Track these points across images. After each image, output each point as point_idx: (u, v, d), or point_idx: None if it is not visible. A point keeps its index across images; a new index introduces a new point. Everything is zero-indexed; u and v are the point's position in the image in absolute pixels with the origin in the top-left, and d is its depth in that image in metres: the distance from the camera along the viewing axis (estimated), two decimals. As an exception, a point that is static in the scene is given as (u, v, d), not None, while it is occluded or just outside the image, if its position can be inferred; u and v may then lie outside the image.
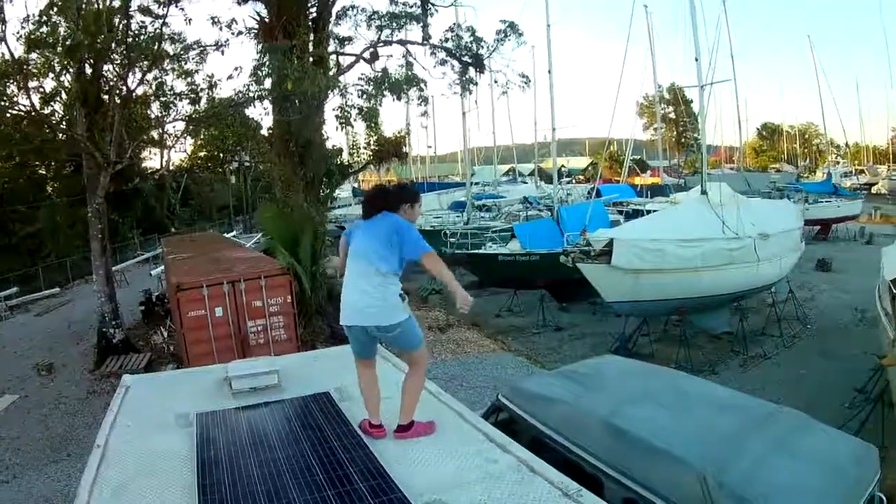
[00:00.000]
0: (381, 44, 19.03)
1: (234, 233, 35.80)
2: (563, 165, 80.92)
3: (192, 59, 18.94)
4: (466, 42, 19.80)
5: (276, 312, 13.25)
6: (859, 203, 50.65)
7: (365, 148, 19.06)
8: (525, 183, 60.69)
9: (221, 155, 48.67)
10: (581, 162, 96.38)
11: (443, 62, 20.32)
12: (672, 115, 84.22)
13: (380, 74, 18.25)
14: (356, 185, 51.35)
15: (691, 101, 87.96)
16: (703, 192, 22.33)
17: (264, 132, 18.84)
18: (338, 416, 5.73)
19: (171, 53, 18.61)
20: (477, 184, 44.54)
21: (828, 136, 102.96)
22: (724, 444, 5.86)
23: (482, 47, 20.00)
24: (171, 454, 4.97)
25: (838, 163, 72.95)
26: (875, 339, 20.64)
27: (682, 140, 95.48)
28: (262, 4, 17.80)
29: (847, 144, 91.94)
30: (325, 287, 18.21)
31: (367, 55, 18.65)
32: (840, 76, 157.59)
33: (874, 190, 77.29)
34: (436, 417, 5.54)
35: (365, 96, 17.97)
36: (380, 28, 18.98)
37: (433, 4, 19.73)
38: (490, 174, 57.17)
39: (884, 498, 5.75)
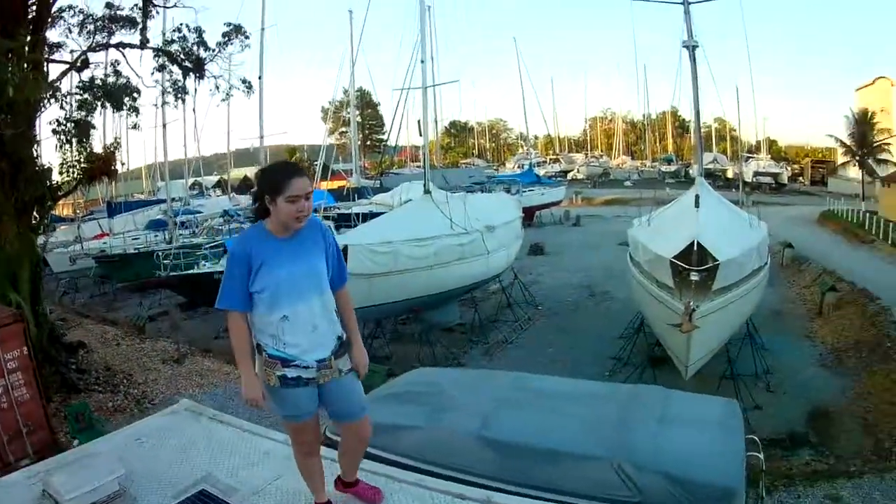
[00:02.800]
0: (100, 48, 17.15)
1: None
2: (246, 176, 79.67)
3: None
4: (192, 44, 18.35)
5: (14, 369, 10.74)
6: (563, 189, 55.29)
7: (75, 166, 17.00)
8: (210, 196, 58.51)
9: None
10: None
11: (161, 68, 18.73)
12: (359, 119, 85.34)
13: (93, 82, 16.50)
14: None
15: (378, 104, 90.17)
16: (427, 192, 22.66)
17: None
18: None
19: None
20: (174, 200, 42.21)
21: (517, 130, 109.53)
22: (615, 429, 5.86)
23: (206, 50, 18.64)
24: None
25: (530, 154, 76.82)
26: (605, 310, 23.43)
27: (368, 143, 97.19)
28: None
29: (536, 136, 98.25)
30: (47, 329, 16.09)
31: (79, 63, 16.68)
32: (540, 74, 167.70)
33: (570, 176, 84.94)
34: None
35: (85, 106, 16.14)
36: (92, 33, 17.10)
37: (154, 6, 17.96)
38: (179, 189, 54.39)
39: (756, 439, 6.15)
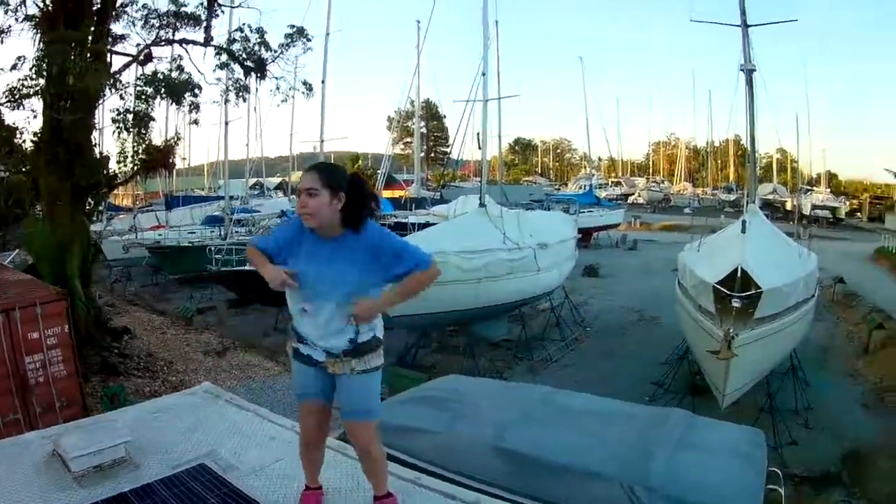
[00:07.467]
0: (164, 42, 17.50)
1: (-14, 252, 32.35)
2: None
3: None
4: (254, 44, 18.62)
5: (54, 345, 11.10)
6: (621, 213, 55.18)
7: (133, 157, 17.26)
8: (271, 197, 58.81)
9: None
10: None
11: (223, 66, 19.04)
12: (424, 130, 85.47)
13: (155, 76, 16.79)
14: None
15: (444, 117, 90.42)
16: (482, 205, 22.55)
17: (29, 136, 16.45)
18: (241, 497, 4.49)
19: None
20: (233, 198, 42.64)
21: (581, 150, 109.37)
22: (633, 450, 5.71)
23: (268, 51, 18.89)
24: None
25: (592, 175, 76.44)
26: (653, 336, 22.91)
27: (433, 154, 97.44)
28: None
29: (599, 158, 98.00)
30: (93, 311, 16.41)
31: (142, 56, 17.01)
32: (606, 94, 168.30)
33: (631, 200, 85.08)
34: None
35: (144, 98, 16.43)
36: (155, 28, 17.44)
37: (220, 5, 18.27)
38: (239, 187, 54.65)
39: (778, 472, 5.97)
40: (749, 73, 20.61)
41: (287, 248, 4.07)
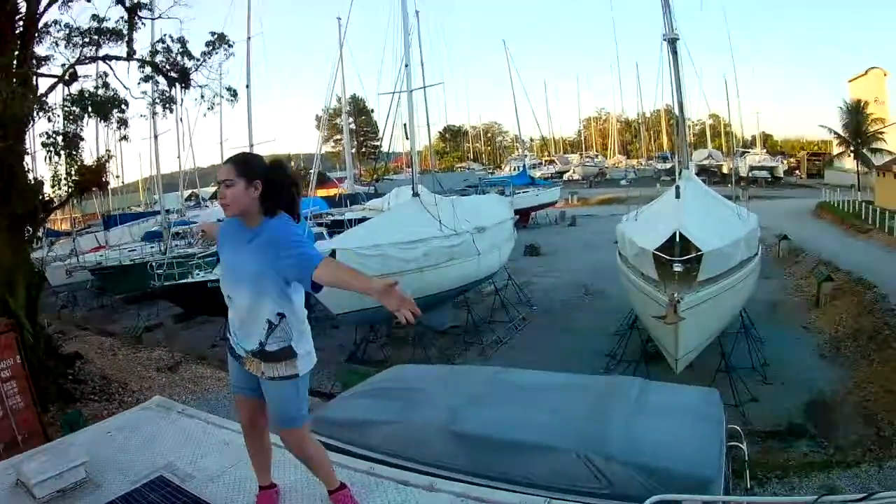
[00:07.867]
0: (88, 60, 17.29)
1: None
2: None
3: None
4: (176, 54, 18.47)
5: (8, 378, 10.95)
6: (557, 190, 55.44)
7: (66, 179, 17.03)
8: (207, 207, 58.25)
9: None
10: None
11: (147, 78, 18.90)
12: (353, 126, 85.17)
13: (82, 95, 16.59)
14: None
15: (372, 111, 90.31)
16: (416, 195, 22.69)
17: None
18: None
19: None
20: (169, 211, 42.19)
21: (512, 133, 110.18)
22: (588, 421, 5.86)
23: (191, 60, 18.75)
24: None
25: (525, 156, 76.82)
26: (600, 308, 23.27)
27: (363, 149, 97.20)
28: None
29: (531, 139, 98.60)
30: (43, 340, 16.20)
31: (67, 76, 16.78)
32: (533, 75, 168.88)
33: (566, 177, 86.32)
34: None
35: (72, 118, 16.24)
36: (79, 46, 17.22)
37: (140, 18, 18.07)
38: (175, 200, 53.84)
39: (738, 429, 6.28)
40: (672, 41, 20.94)
41: (224, 238, 4.23)
